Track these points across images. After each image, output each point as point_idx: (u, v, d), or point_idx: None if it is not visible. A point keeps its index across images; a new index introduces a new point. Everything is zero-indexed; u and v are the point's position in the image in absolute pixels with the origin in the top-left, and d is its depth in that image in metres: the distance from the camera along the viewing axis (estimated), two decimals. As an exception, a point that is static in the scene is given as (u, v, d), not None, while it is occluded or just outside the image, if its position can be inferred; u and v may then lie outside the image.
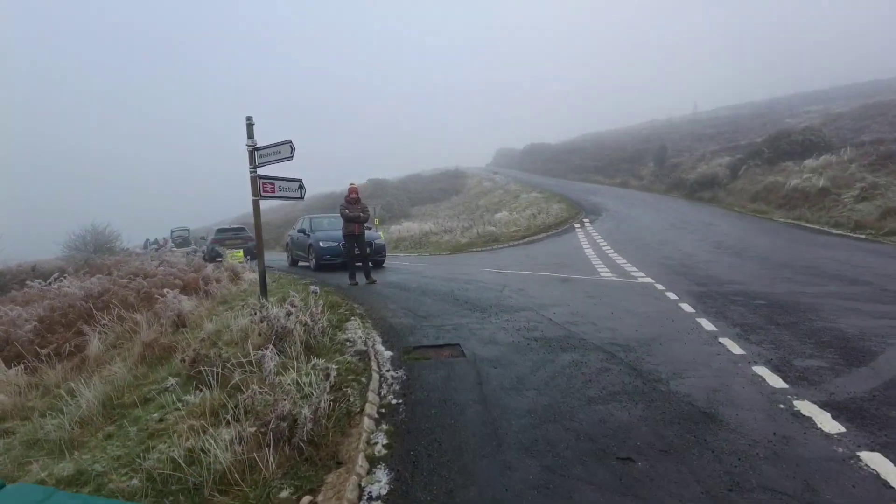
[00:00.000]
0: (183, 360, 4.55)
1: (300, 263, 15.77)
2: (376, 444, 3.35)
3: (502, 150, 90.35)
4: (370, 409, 3.74)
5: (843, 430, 3.35)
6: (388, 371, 4.57)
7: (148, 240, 47.50)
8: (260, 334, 4.78)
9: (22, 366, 6.52)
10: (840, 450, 3.12)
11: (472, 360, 4.89)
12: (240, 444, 3.15)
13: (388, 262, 16.76)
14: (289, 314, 4.68)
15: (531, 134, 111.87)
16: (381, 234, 28.96)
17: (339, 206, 10.34)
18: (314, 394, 3.60)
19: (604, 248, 15.51)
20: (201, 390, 4.12)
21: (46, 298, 9.55)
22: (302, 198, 7.21)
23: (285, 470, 3.05)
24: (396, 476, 3.02)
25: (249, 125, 6.56)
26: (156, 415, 4.10)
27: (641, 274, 10.21)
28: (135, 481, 3.13)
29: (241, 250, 22.50)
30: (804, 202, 20.24)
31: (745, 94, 78.11)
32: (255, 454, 3.06)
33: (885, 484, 2.78)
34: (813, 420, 3.50)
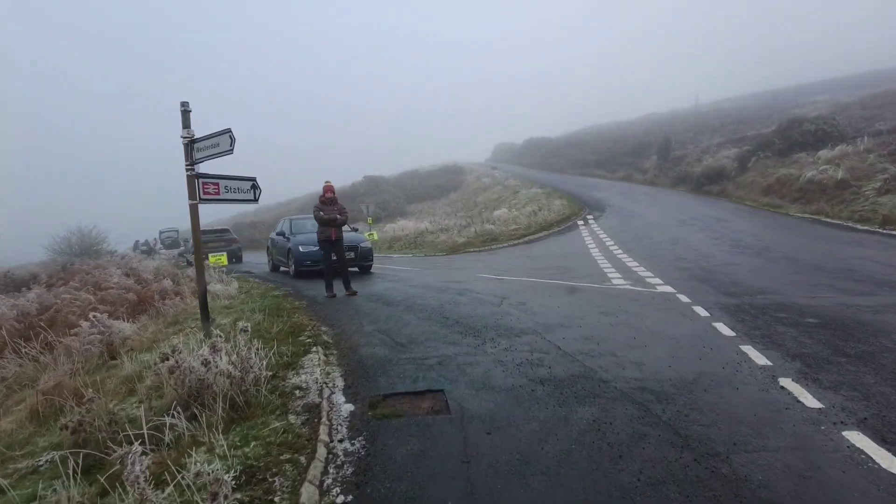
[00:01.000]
0: (65, 427, 3.32)
1: (282, 269, 14.54)
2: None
3: (501, 144, 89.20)
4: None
5: None
6: (341, 442, 3.32)
7: (138, 241, 46.16)
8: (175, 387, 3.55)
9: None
10: None
11: (458, 418, 3.66)
12: None
13: (379, 265, 15.52)
14: (206, 364, 3.43)
15: (530, 129, 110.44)
16: (374, 233, 27.85)
17: (314, 207, 9.10)
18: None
19: (611, 247, 14.28)
20: (76, 478, 2.90)
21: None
22: (255, 200, 5.96)
23: None
24: None
25: (185, 112, 5.31)
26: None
27: (658, 280, 8.98)
28: None
29: (224, 253, 21.25)
30: (822, 195, 19.02)
31: (744, 87, 77.11)
32: None
33: None
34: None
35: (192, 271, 12.90)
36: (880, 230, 13.67)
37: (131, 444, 2.78)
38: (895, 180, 16.83)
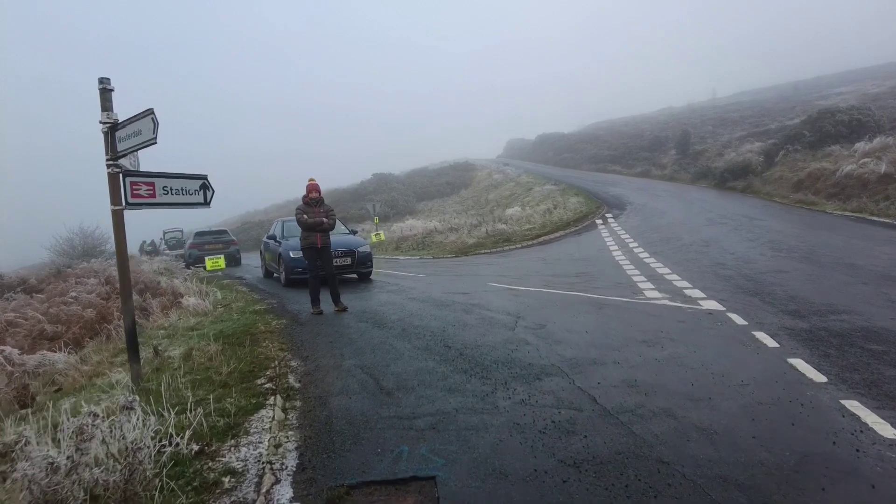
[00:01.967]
0: None
1: (275, 275, 13.36)
2: None
3: (513, 140, 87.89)
4: None
5: None
6: None
7: (144, 241, 45.38)
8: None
9: None
10: None
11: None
12: None
13: (382, 270, 14.30)
14: (56, 470, 2.18)
15: (542, 126, 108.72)
16: (381, 233, 26.60)
17: (296, 209, 7.88)
18: None
19: (636, 250, 12.92)
20: None
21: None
22: (206, 203, 4.73)
23: None
24: None
25: (104, 91, 4.09)
26: None
27: (699, 293, 7.66)
28: None
29: (222, 256, 20.14)
30: (862, 191, 17.51)
31: (760, 81, 75.40)
32: None
33: None
34: None
35: (177, 282, 11.76)
36: (941, 230, 12.21)
37: None
38: (948, 174, 15.34)
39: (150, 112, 3.84)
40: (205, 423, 3.39)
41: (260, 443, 3.28)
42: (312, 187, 7.80)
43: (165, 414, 3.47)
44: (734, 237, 13.26)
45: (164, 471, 2.74)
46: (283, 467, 3.06)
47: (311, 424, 3.65)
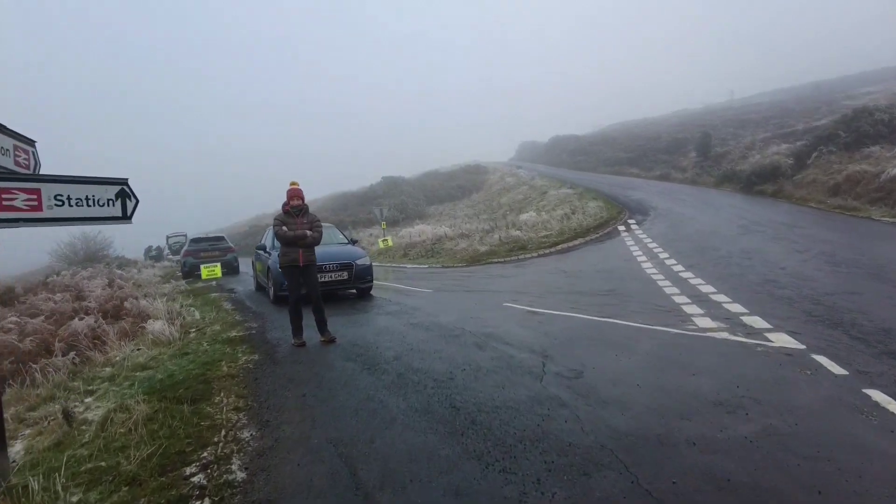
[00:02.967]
0: None
1: (266, 289, 12.11)
2: None
3: (525, 143, 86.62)
4: None
5: None
6: None
7: (150, 246, 44.61)
8: None
9: None
10: None
11: None
12: None
13: (387, 283, 13.00)
14: None
15: (553, 127, 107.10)
16: (388, 239, 25.29)
17: (273, 220, 6.59)
18: None
19: (667, 262, 11.53)
20: None
21: None
22: (127, 217, 3.45)
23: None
24: None
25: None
26: None
27: (760, 321, 6.29)
28: None
29: (218, 265, 18.94)
30: (912, 196, 16.01)
31: (777, 82, 73.82)
32: None
33: None
34: None
35: (144, 302, 10.54)
36: None
37: None
38: None
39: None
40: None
41: None
42: (294, 193, 6.51)
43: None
44: (777, 248, 11.82)
45: None
46: None
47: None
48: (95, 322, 7.26)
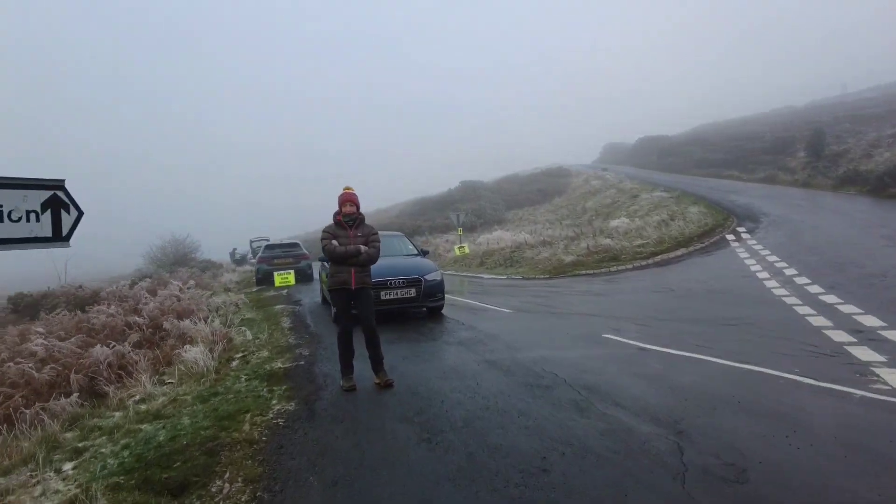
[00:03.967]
0: None
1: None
2: None
3: (610, 145, 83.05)
4: None
5: None
6: None
7: (235, 249, 45.98)
8: None
9: None
10: None
11: None
12: None
13: (461, 299, 11.63)
14: None
15: (640, 129, 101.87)
16: (465, 246, 24.01)
17: (322, 231, 5.37)
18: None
19: (797, 280, 9.41)
20: None
21: None
22: (63, 239, 2.28)
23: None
24: None
25: None
26: None
27: None
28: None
29: (292, 272, 18.31)
30: None
31: (888, 75, 66.28)
32: None
33: None
34: None
35: (186, 323, 9.77)
36: None
37: None
38: None
39: None
40: None
41: None
42: (347, 198, 5.26)
43: None
44: (952, 266, 9.35)
45: None
46: None
47: None
48: (125, 347, 6.39)
